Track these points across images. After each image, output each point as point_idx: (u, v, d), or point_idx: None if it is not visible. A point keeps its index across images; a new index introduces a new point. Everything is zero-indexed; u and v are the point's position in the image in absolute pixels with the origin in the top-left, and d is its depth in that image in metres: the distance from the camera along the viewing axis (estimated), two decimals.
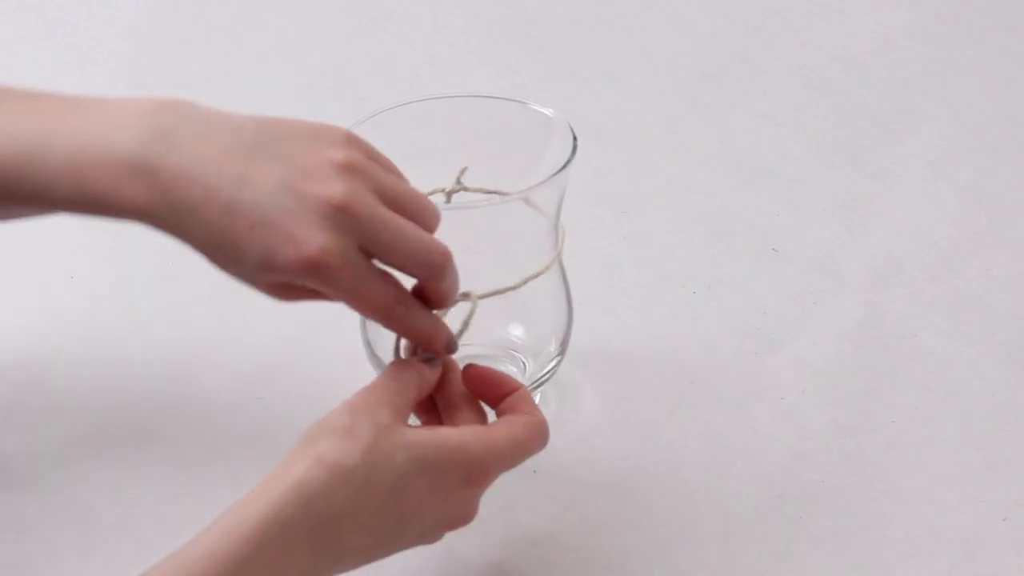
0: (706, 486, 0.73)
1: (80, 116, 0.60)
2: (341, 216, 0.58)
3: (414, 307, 0.63)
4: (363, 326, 0.74)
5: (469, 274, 0.72)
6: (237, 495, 0.73)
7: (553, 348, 0.75)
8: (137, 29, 1.22)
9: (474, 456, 0.61)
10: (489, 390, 0.66)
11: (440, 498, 0.61)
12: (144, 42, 1.20)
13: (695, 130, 1.06)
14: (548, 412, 0.78)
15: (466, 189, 0.74)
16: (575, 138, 0.70)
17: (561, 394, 0.79)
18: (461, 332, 0.66)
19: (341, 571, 0.59)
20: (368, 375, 0.75)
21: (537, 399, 0.77)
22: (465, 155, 0.75)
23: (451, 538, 0.70)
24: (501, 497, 0.72)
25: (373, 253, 0.60)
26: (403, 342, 0.66)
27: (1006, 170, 1.00)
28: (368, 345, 0.74)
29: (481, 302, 0.67)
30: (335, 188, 0.58)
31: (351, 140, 0.61)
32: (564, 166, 0.69)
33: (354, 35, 1.21)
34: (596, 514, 0.72)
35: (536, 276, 0.70)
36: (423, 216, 0.62)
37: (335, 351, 0.81)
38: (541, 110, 0.73)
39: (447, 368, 0.66)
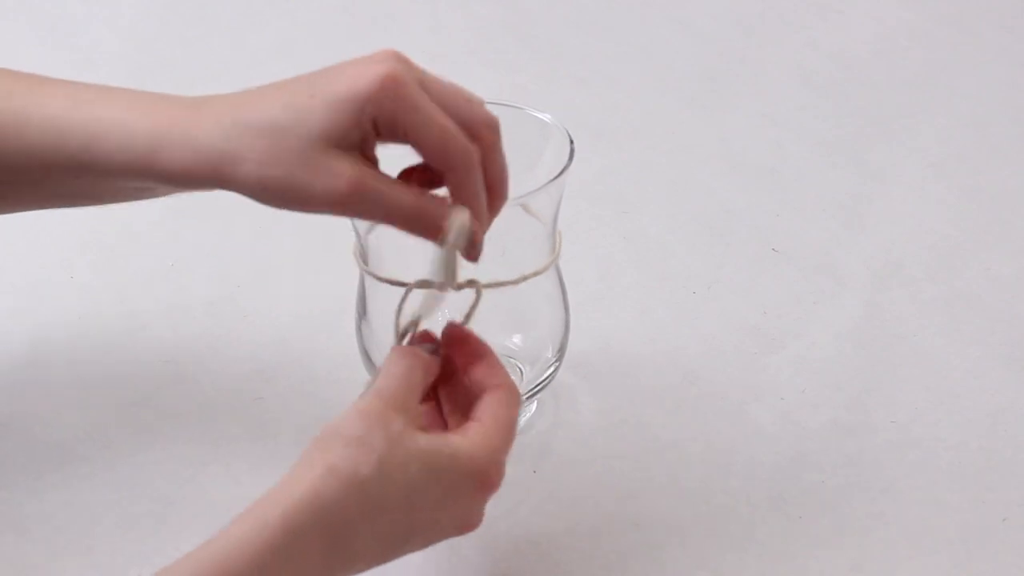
0: (706, 486, 0.73)
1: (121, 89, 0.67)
2: (396, 60, 0.61)
3: (483, 150, 0.62)
4: (359, 333, 0.74)
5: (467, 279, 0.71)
6: (237, 495, 0.72)
7: (550, 354, 0.75)
8: (137, 29, 1.22)
9: (484, 464, 0.61)
10: (460, 350, 0.65)
11: (451, 506, 0.61)
12: (144, 42, 1.20)
13: (695, 130, 1.06)
14: (548, 412, 0.78)
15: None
16: (572, 143, 0.70)
17: (561, 394, 0.79)
18: (466, 320, 0.66)
19: (349, 575, 0.60)
20: (366, 377, 0.75)
21: (534, 406, 0.77)
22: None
23: (451, 539, 0.70)
24: (501, 497, 0.72)
25: (428, 96, 0.61)
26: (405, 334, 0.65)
27: (1006, 170, 1.00)
28: (364, 352, 0.74)
29: (479, 307, 0.67)
30: (386, 61, 0.61)
31: (399, 55, 0.62)
32: (561, 172, 0.69)
33: (354, 35, 1.21)
34: (596, 514, 0.71)
35: (536, 274, 0.70)
36: (471, 103, 0.63)
37: (335, 351, 0.81)
38: (538, 115, 0.73)
39: (474, 350, 0.65)
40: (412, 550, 0.62)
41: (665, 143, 1.04)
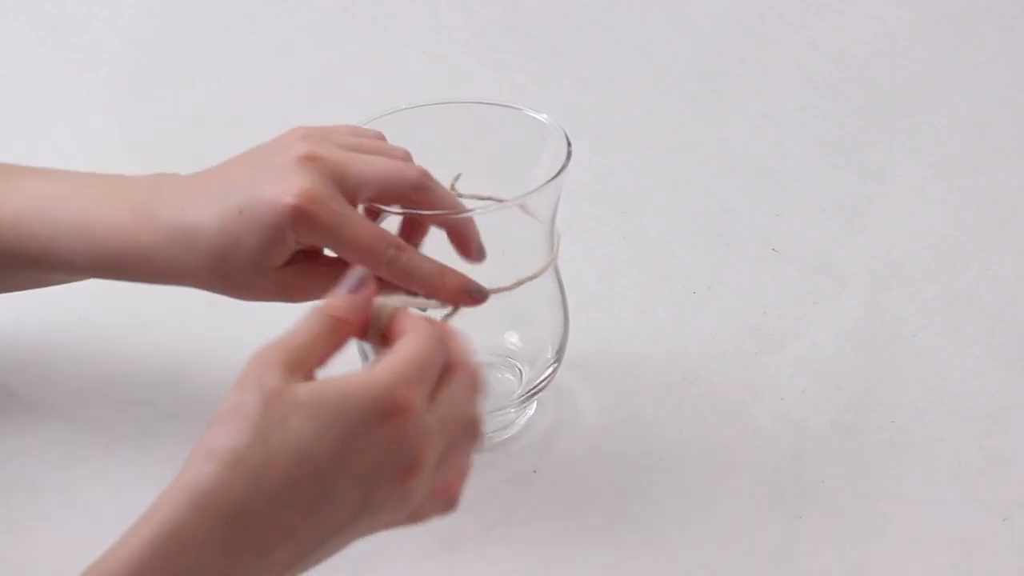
0: (706, 486, 0.73)
1: (82, 182, 0.73)
2: (310, 163, 0.64)
3: (410, 250, 0.64)
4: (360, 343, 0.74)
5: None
6: None
7: (550, 355, 0.75)
8: (137, 29, 1.22)
9: (380, 390, 0.53)
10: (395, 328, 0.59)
11: (359, 449, 0.53)
12: (144, 42, 1.20)
13: (695, 130, 1.06)
14: (548, 412, 0.78)
15: (460, 195, 0.74)
16: (569, 144, 0.70)
17: (562, 394, 0.79)
18: (445, 319, 0.66)
19: (293, 563, 0.54)
20: None
21: (534, 406, 0.77)
22: (460, 160, 0.75)
23: (451, 538, 0.70)
24: (502, 497, 0.72)
25: (351, 190, 0.65)
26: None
27: (1006, 170, 1.00)
28: (362, 353, 0.74)
29: (475, 309, 0.67)
30: (299, 147, 0.65)
31: (307, 130, 0.67)
32: (559, 172, 0.69)
33: (354, 35, 1.21)
34: (596, 514, 0.72)
35: (532, 279, 0.70)
36: (389, 152, 0.67)
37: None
38: (536, 116, 0.73)
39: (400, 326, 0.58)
40: (359, 514, 0.54)
41: (665, 143, 1.04)
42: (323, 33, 1.21)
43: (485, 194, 0.74)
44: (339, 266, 0.64)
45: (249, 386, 0.54)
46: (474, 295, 0.66)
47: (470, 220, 0.68)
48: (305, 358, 0.55)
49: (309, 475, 0.53)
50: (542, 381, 0.75)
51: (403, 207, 0.67)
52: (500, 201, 0.72)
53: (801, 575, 0.68)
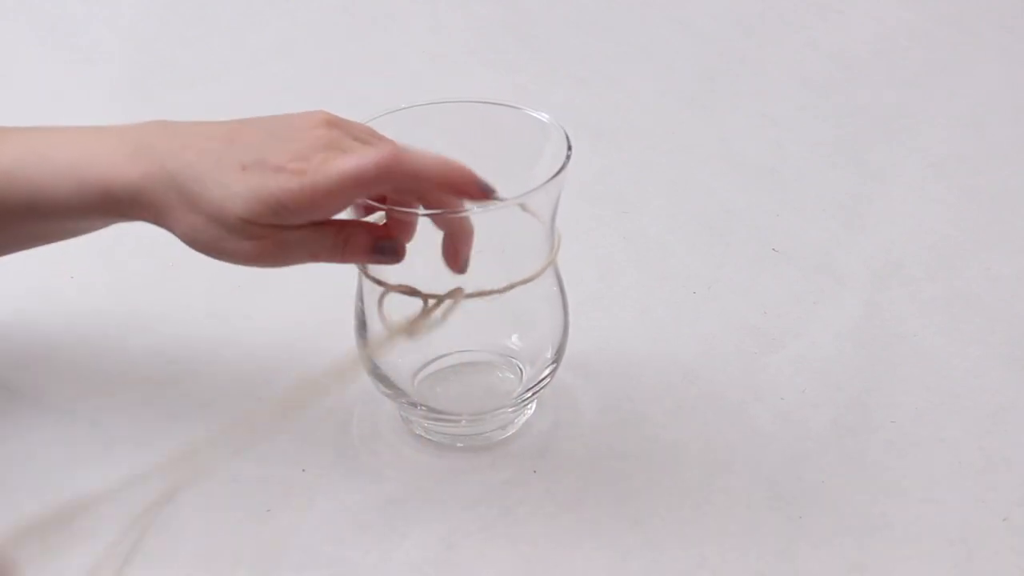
0: (706, 486, 0.73)
1: (75, 132, 0.72)
2: (331, 128, 0.66)
3: (415, 151, 0.66)
4: (358, 335, 0.74)
5: (464, 279, 0.72)
6: (237, 495, 0.73)
7: (550, 355, 0.75)
8: (137, 29, 1.22)
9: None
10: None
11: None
12: (144, 42, 1.20)
13: (695, 130, 1.06)
14: (548, 412, 0.78)
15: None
16: (570, 143, 0.70)
17: (561, 394, 0.79)
18: (443, 318, 0.68)
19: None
20: (365, 379, 0.75)
21: (534, 406, 0.77)
22: (461, 159, 0.75)
23: (452, 538, 0.70)
24: (501, 497, 0.72)
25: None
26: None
27: (1006, 170, 1.00)
28: (360, 321, 0.74)
29: (476, 308, 0.68)
30: (318, 130, 0.66)
31: (330, 119, 0.67)
32: (559, 171, 0.69)
33: (354, 35, 1.21)
34: (596, 514, 0.72)
35: (525, 282, 0.71)
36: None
37: (334, 352, 0.81)
38: (536, 115, 0.73)
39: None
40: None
41: (665, 143, 1.04)
42: (323, 33, 1.21)
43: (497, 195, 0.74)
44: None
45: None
46: (483, 188, 0.67)
47: (469, 226, 0.68)
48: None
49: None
50: (542, 381, 0.75)
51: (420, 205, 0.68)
52: (500, 200, 0.72)
53: (801, 575, 0.68)
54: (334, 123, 0.67)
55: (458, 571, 0.68)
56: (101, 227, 0.72)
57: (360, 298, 0.73)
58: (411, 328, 0.69)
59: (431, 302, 0.69)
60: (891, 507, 0.71)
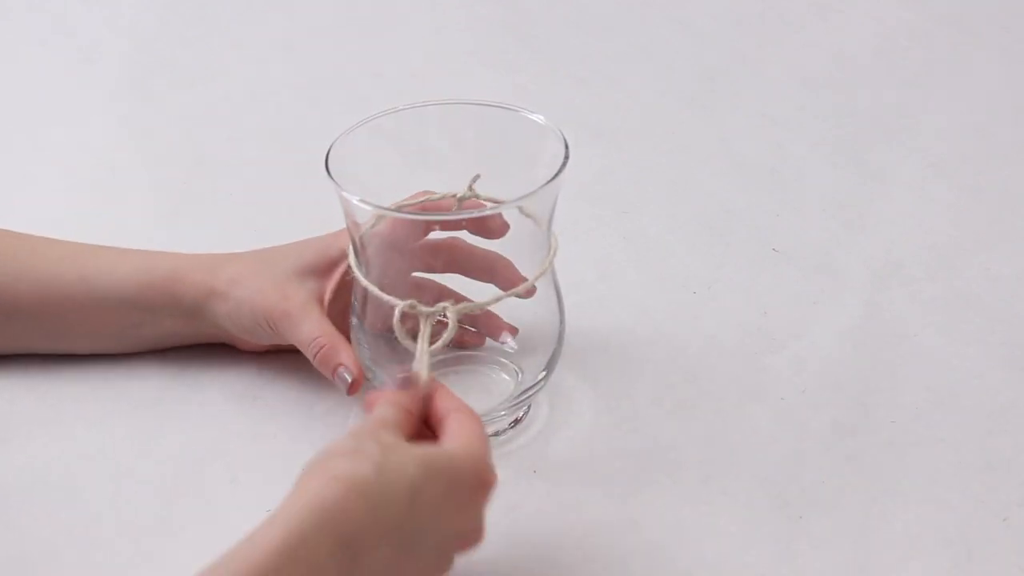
0: (706, 486, 0.73)
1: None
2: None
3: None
4: (355, 337, 0.74)
5: (462, 284, 0.72)
6: (237, 495, 0.73)
7: (545, 357, 0.75)
8: (137, 29, 1.22)
9: (479, 462, 0.62)
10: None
11: (454, 507, 0.61)
12: (144, 42, 1.20)
13: (695, 130, 1.06)
14: (548, 412, 0.78)
15: (477, 196, 0.74)
16: (567, 146, 0.70)
17: (561, 394, 0.79)
18: (442, 345, 0.68)
19: None
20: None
21: (530, 407, 0.77)
22: (459, 161, 0.75)
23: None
24: (502, 497, 0.72)
25: None
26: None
27: (1006, 170, 1.00)
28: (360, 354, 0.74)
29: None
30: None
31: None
32: (557, 173, 0.69)
33: (354, 35, 1.21)
34: (596, 514, 0.71)
35: (510, 295, 0.71)
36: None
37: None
38: (533, 117, 0.73)
39: (432, 389, 0.67)
40: (424, 566, 0.61)
41: (665, 143, 1.04)
42: (323, 33, 1.21)
43: (483, 195, 0.74)
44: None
45: (367, 437, 0.60)
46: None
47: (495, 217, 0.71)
48: (404, 426, 0.63)
49: (414, 518, 0.59)
50: (537, 382, 0.75)
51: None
52: (498, 203, 0.73)
53: (801, 575, 0.68)
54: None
55: (458, 571, 0.68)
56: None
57: (358, 311, 0.73)
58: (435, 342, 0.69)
59: (448, 314, 0.69)
60: (891, 507, 0.71)
